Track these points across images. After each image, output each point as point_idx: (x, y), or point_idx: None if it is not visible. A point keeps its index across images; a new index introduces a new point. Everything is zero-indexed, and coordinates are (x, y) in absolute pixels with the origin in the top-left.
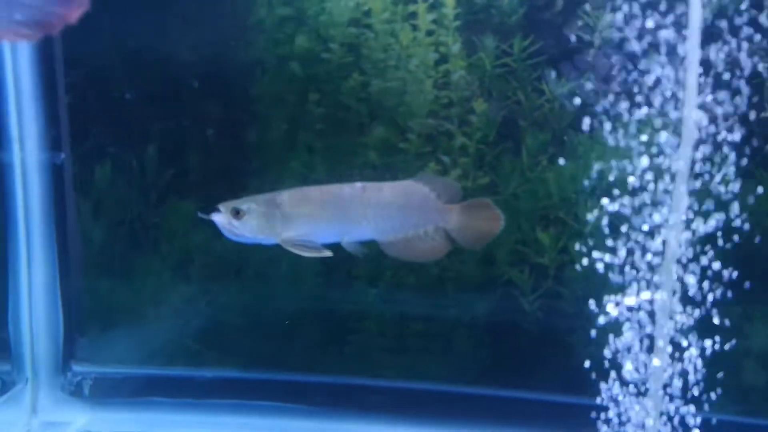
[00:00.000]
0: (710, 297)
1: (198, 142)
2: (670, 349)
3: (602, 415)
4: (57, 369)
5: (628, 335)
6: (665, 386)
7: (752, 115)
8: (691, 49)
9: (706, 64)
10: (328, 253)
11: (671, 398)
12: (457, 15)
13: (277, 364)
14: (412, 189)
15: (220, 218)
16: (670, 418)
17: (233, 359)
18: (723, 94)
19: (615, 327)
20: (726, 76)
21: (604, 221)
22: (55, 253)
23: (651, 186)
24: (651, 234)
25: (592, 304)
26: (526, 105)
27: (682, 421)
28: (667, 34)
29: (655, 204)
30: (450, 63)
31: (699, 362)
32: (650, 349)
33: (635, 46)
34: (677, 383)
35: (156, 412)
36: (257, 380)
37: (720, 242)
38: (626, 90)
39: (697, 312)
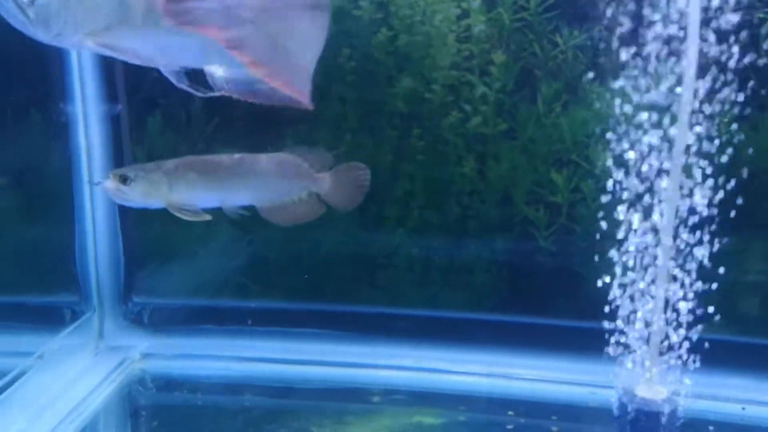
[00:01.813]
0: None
1: None
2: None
3: (608, 338)
4: (119, 300)
5: (632, 265)
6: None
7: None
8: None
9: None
10: (208, 217)
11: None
12: None
13: (315, 296)
14: (285, 160)
15: (109, 184)
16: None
17: (274, 291)
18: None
19: (621, 258)
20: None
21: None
22: None
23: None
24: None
25: (601, 238)
26: (542, 56)
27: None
28: None
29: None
30: (471, 18)
31: (699, 289)
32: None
33: None
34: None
35: (207, 338)
36: (296, 310)
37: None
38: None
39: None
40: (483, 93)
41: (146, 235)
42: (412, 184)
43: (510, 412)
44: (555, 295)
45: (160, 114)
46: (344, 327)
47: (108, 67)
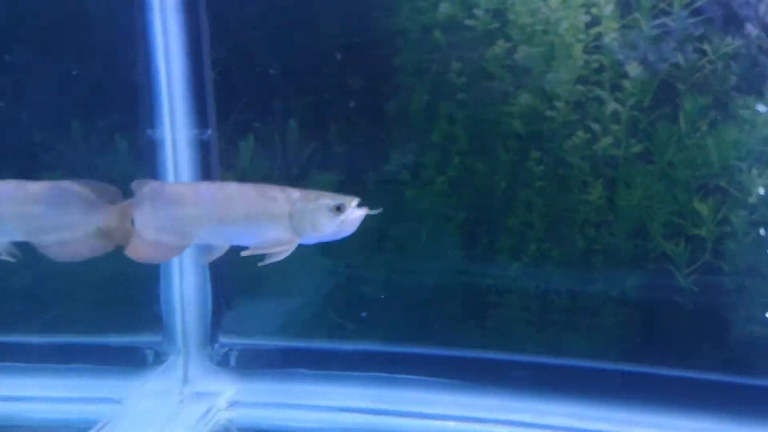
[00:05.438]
0: None
1: (339, 114)
2: None
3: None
4: (205, 340)
5: None
6: None
7: None
8: None
9: None
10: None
11: None
12: None
13: (418, 338)
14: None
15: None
16: None
17: (374, 332)
18: None
19: None
20: None
21: None
22: None
23: None
24: None
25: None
26: (686, 67)
27: None
28: None
29: None
30: (602, 25)
31: None
32: None
33: None
34: None
35: (300, 383)
36: (398, 353)
37: None
38: None
39: None
40: (614, 110)
41: (234, 270)
42: (529, 213)
43: None
44: (697, 344)
45: (252, 138)
46: (451, 374)
47: (198, 87)
